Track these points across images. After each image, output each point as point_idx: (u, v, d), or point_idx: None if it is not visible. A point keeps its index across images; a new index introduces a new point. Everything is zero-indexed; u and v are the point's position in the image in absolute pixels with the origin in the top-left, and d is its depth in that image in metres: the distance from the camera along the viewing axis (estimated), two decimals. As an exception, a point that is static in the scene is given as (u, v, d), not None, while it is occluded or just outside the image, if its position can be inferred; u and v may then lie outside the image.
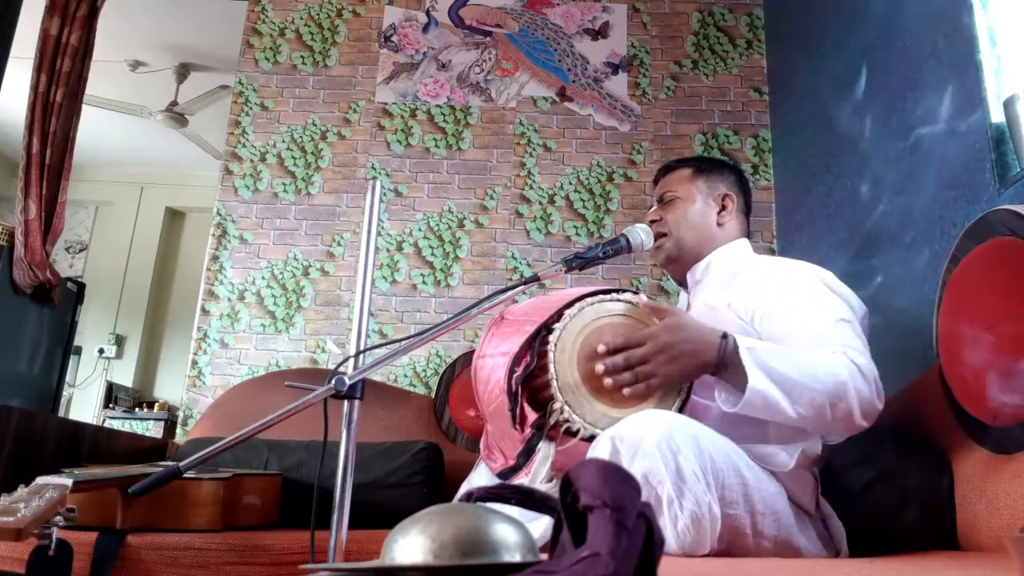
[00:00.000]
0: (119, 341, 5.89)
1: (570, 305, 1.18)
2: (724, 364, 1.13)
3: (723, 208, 1.50)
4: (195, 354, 2.70)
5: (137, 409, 5.48)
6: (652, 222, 1.51)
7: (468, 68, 2.99)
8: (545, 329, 1.17)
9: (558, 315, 1.17)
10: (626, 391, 1.11)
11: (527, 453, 1.16)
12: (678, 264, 1.50)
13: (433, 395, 2.46)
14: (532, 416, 1.15)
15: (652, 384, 1.11)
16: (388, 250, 2.80)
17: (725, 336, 1.14)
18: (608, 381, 1.11)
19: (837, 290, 1.31)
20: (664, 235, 1.49)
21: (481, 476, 1.37)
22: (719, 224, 1.49)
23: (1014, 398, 1.14)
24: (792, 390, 1.10)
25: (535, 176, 2.87)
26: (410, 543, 0.58)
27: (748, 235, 1.53)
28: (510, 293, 1.24)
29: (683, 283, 1.53)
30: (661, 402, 1.16)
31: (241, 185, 2.87)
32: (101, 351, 5.78)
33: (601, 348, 1.12)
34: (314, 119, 2.94)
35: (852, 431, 1.18)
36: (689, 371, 1.13)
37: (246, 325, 2.72)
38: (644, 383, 1.11)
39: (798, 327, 1.24)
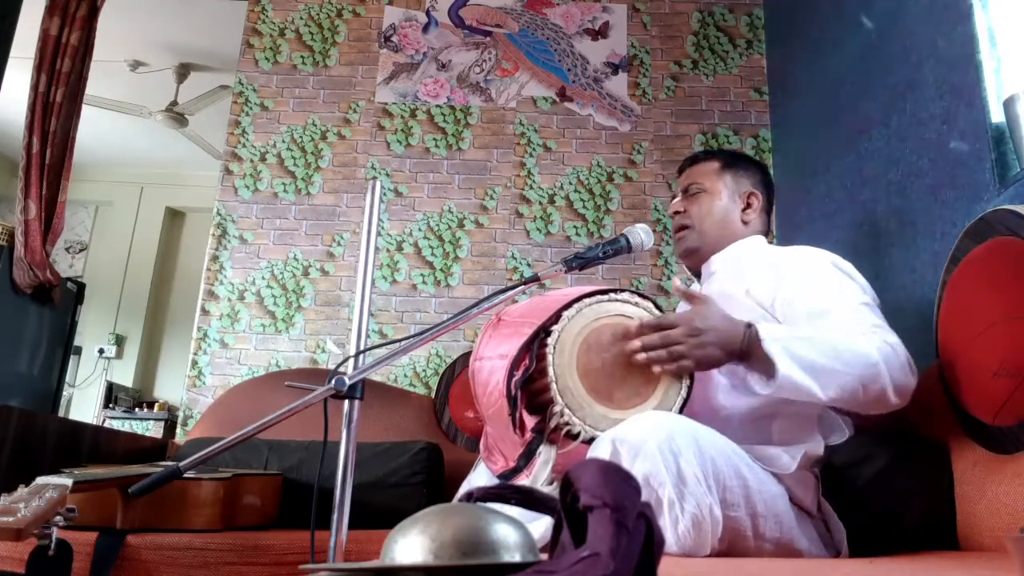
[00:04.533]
0: (119, 341, 5.89)
1: (568, 306, 1.18)
2: (748, 353, 1.13)
3: (748, 206, 1.51)
4: (195, 354, 2.70)
5: (137, 409, 5.48)
6: (676, 213, 1.52)
7: (468, 68, 2.99)
8: (543, 331, 1.16)
9: (556, 317, 1.17)
10: (656, 368, 1.10)
11: (528, 456, 1.15)
12: (697, 257, 1.51)
13: (433, 395, 2.46)
14: (531, 420, 1.14)
15: (684, 365, 1.11)
16: (388, 250, 2.80)
17: (749, 326, 1.14)
18: (642, 356, 1.09)
19: (853, 276, 1.32)
20: (687, 227, 1.50)
21: (481, 476, 1.37)
22: (744, 222, 1.50)
23: None
24: (822, 375, 1.11)
25: (535, 176, 2.87)
26: (410, 543, 0.58)
27: (767, 232, 1.54)
28: (510, 293, 1.24)
29: (698, 275, 1.54)
30: (662, 403, 1.16)
31: (241, 185, 2.87)
32: (101, 351, 5.78)
33: (633, 324, 1.11)
34: (314, 119, 2.94)
35: (887, 409, 1.18)
36: (717, 357, 1.13)
37: (246, 325, 2.72)
38: (675, 365, 1.10)
39: (821, 311, 1.24)
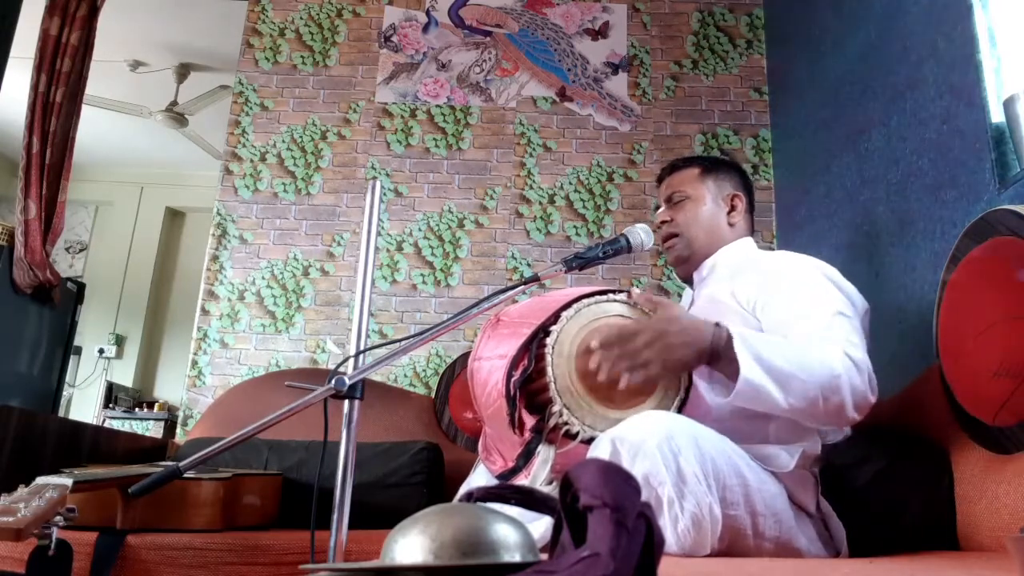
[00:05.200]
0: (119, 341, 5.89)
1: (567, 307, 1.18)
2: (718, 353, 1.12)
3: (732, 208, 1.52)
4: (195, 354, 2.70)
5: (137, 409, 5.47)
6: (663, 223, 1.52)
7: (468, 68, 2.99)
8: (542, 332, 1.16)
9: (555, 317, 1.17)
10: (622, 383, 1.08)
11: (526, 456, 1.15)
12: (688, 264, 1.51)
13: (433, 395, 2.46)
14: (530, 420, 1.14)
15: (650, 372, 1.09)
16: (388, 250, 2.80)
17: (718, 325, 1.14)
18: (602, 376, 1.08)
19: (839, 284, 1.31)
20: (675, 235, 1.50)
21: (481, 477, 1.37)
22: (730, 224, 1.51)
23: None
24: (785, 381, 1.10)
25: (535, 176, 2.87)
26: (410, 543, 0.58)
27: (752, 232, 1.55)
28: (510, 293, 1.24)
29: (690, 281, 1.54)
30: (660, 402, 1.16)
31: (241, 185, 2.87)
32: (101, 351, 5.78)
33: (594, 344, 1.10)
34: (314, 119, 2.94)
35: (844, 424, 1.19)
36: (685, 360, 1.12)
37: (246, 325, 2.72)
38: (642, 372, 1.09)
39: (797, 317, 1.24)
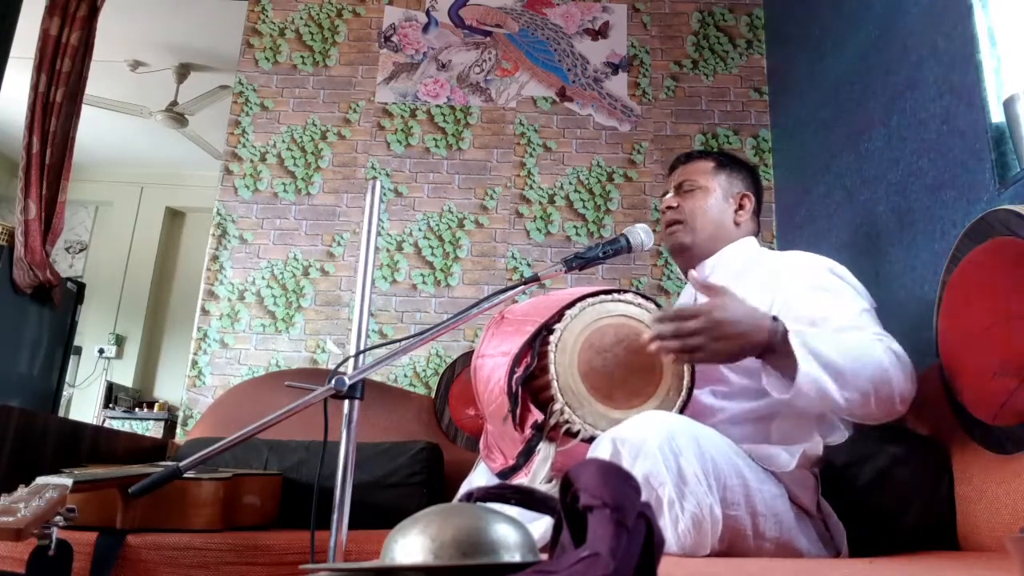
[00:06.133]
0: (119, 341, 5.89)
1: (571, 305, 1.18)
2: (772, 348, 1.11)
3: (740, 208, 1.51)
4: (195, 354, 2.70)
5: (137, 409, 5.47)
6: (669, 208, 1.51)
7: (468, 68, 2.99)
8: (546, 329, 1.17)
9: (559, 315, 1.17)
10: (668, 358, 1.09)
11: (527, 453, 1.15)
12: (687, 256, 1.49)
13: (433, 395, 2.46)
14: (532, 417, 1.14)
15: (696, 358, 1.09)
16: (388, 250, 2.80)
17: (775, 319, 1.12)
18: (654, 346, 1.08)
19: (850, 281, 1.32)
20: (679, 222, 1.49)
21: (481, 476, 1.37)
22: (736, 223, 1.50)
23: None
24: (840, 376, 1.09)
25: (535, 176, 2.87)
26: (410, 543, 0.58)
27: (757, 233, 1.55)
28: (510, 293, 1.24)
29: None
30: (662, 403, 1.16)
31: (241, 185, 2.87)
32: (101, 351, 5.78)
33: (649, 319, 1.11)
34: (314, 119, 2.94)
35: (891, 417, 1.18)
36: (736, 352, 1.10)
37: (246, 325, 2.72)
38: (688, 357, 1.09)
39: (821, 318, 1.24)
